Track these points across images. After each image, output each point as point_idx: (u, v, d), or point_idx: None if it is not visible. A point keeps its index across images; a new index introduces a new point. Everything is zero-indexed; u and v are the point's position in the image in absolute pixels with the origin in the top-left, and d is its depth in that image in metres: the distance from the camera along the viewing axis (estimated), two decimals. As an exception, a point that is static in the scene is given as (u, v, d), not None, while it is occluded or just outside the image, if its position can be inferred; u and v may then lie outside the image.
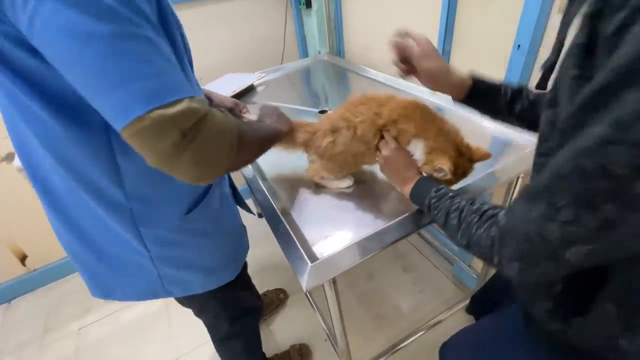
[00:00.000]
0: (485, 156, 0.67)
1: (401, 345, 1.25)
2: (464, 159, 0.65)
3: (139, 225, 0.55)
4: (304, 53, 1.92)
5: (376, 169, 0.77)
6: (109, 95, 0.37)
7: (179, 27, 0.51)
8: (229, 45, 1.70)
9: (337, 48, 1.79)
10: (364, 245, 0.65)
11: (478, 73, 0.66)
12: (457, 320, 1.35)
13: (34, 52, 0.38)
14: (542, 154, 0.42)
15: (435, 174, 0.64)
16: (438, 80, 0.64)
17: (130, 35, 0.36)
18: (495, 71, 1.01)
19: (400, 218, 0.70)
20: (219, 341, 0.95)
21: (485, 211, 0.46)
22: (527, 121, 0.63)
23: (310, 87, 1.56)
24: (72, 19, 0.34)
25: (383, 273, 1.63)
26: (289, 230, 0.69)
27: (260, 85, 1.57)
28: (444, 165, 0.60)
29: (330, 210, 0.76)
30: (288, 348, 1.34)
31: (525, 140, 0.89)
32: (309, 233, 0.70)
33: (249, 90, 1.51)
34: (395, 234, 0.67)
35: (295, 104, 1.32)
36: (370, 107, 0.70)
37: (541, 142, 0.42)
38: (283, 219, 0.72)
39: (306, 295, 1.52)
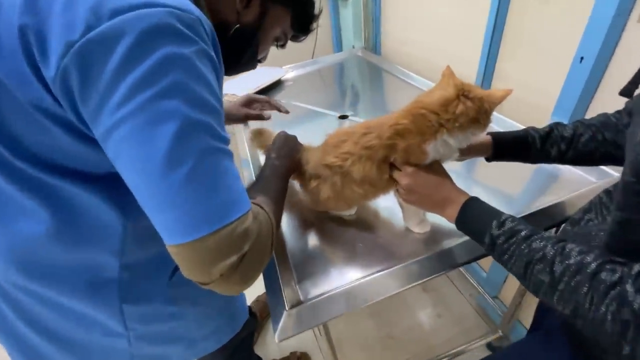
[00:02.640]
0: (501, 98, 0.52)
1: (408, 375, 1.15)
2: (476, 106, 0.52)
3: (123, 302, 0.50)
4: (339, 47, 1.81)
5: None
6: (175, 210, 0.34)
7: None
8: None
9: (374, 43, 1.65)
10: (358, 292, 0.56)
11: (496, 132, 0.64)
12: (475, 356, 1.22)
13: (74, 132, 0.36)
14: None
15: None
16: None
17: (212, 150, 0.35)
18: (550, 84, 0.84)
19: (413, 261, 0.60)
20: None
21: (596, 274, 0.35)
22: (569, 160, 0.60)
23: (338, 86, 1.45)
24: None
25: (400, 290, 1.53)
26: (275, 262, 0.62)
27: (287, 80, 1.50)
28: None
29: (327, 243, 0.68)
30: (288, 354, 1.30)
31: (575, 175, 0.74)
32: (298, 269, 0.62)
33: (276, 85, 1.45)
34: (404, 280, 0.57)
35: (317, 105, 1.23)
36: (355, 142, 0.58)
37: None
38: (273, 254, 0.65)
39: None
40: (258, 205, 0.44)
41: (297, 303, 0.55)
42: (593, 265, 0.36)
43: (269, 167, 0.61)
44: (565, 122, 0.63)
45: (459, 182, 0.75)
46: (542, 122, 0.84)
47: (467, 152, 0.63)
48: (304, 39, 0.66)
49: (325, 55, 1.66)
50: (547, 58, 0.87)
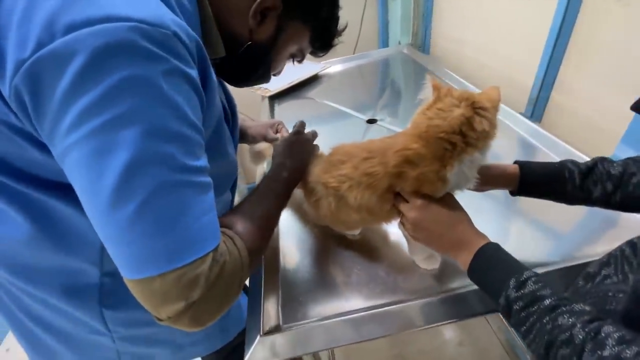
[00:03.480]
0: (499, 97, 0.46)
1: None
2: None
3: (103, 306, 0.50)
4: (384, 43, 1.69)
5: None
6: (122, 246, 0.32)
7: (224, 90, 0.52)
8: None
9: (422, 40, 1.52)
10: (341, 329, 0.50)
11: (525, 161, 0.54)
12: (494, 398, 1.10)
13: (41, 146, 0.34)
14: None
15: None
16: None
17: (169, 185, 0.32)
18: (622, 99, 0.69)
19: (413, 302, 0.52)
20: None
21: None
22: (615, 204, 0.48)
23: (375, 86, 1.36)
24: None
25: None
26: (262, 279, 0.58)
27: (324, 76, 1.44)
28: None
29: (324, 263, 0.62)
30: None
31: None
32: (285, 289, 0.58)
33: (311, 81, 1.40)
34: (396, 324, 0.50)
35: (347, 105, 1.16)
36: (355, 166, 0.51)
37: None
38: (262, 267, 0.61)
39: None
40: (231, 239, 0.39)
41: (275, 329, 0.51)
42: (625, 350, 0.27)
43: (272, 177, 0.57)
44: (636, 154, 0.50)
45: (498, 211, 0.67)
46: (609, 151, 0.69)
47: (488, 182, 0.53)
48: (323, 55, 0.61)
49: (369, 51, 1.57)
50: (622, 72, 0.71)
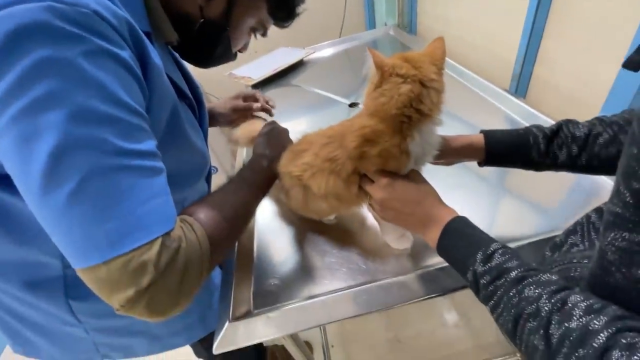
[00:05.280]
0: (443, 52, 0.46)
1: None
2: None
3: (70, 298, 0.49)
4: (371, 24, 1.66)
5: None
6: (62, 234, 0.32)
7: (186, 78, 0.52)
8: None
9: (409, 20, 1.48)
10: (312, 310, 0.50)
11: (490, 130, 0.52)
12: (487, 376, 1.11)
13: None
14: None
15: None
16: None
17: (105, 168, 0.31)
18: (604, 72, 0.67)
19: (385, 282, 0.52)
20: None
21: (606, 351, 0.24)
22: (582, 167, 0.47)
23: (361, 69, 1.34)
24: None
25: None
26: (234, 266, 0.58)
27: (309, 62, 1.42)
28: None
29: (300, 248, 0.62)
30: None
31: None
32: (259, 274, 0.58)
33: (295, 67, 1.38)
34: (367, 303, 0.50)
35: (331, 90, 1.14)
36: (315, 153, 0.50)
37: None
38: (235, 252, 0.61)
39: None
40: (190, 225, 0.38)
41: (246, 314, 0.51)
42: (602, 337, 0.24)
43: (249, 167, 0.56)
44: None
45: (487, 191, 0.66)
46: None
47: (453, 154, 0.52)
48: (290, 24, 0.59)
49: (356, 33, 1.54)
50: (601, 42, 0.68)
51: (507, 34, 0.92)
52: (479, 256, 0.37)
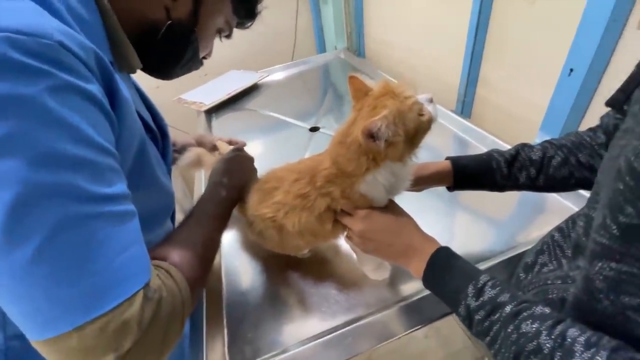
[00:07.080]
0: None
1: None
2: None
3: None
4: (322, 48, 1.70)
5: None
6: (22, 301, 0.27)
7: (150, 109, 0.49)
8: (237, 36, 1.53)
9: (357, 44, 1.54)
10: (319, 353, 0.47)
11: (456, 156, 0.55)
12: (461, 384, 1.13)
13: None
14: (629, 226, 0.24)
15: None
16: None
17: (75, 218, 0.27)
18: (539, 93, 0.74)
19: (382, 314, 0.51)
20: None
21: None
22: (541, 187, 0.51)
23: (316, 93, 1.35)
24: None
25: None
26: (204, 316, 0.53)
27: (263, 85, 1.40)
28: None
29: (276, 289, 0.58)
30: None
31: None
32: (232, 324, 0.53)
33: (250, 91, 1.35)
34: (373, 338, 0.48)
35: (289, 114, 1.13)
36: (286, 190, 0.49)
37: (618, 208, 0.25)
38: (204, 298, 0.56)
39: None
40: (166, 272, 0.34)
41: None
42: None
43: (208, 198, 0.52)
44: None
45: (442, 207, 0.68)
46: (530, 139, 0.74)
47: (422, 182, 0.53)
48: (250, 25, 0.57)
49: (307, 57, 1.56)
50: (535, 66, 0.76)
51: (450, 59, 0.99)
52: (470, 290, 0.37)
